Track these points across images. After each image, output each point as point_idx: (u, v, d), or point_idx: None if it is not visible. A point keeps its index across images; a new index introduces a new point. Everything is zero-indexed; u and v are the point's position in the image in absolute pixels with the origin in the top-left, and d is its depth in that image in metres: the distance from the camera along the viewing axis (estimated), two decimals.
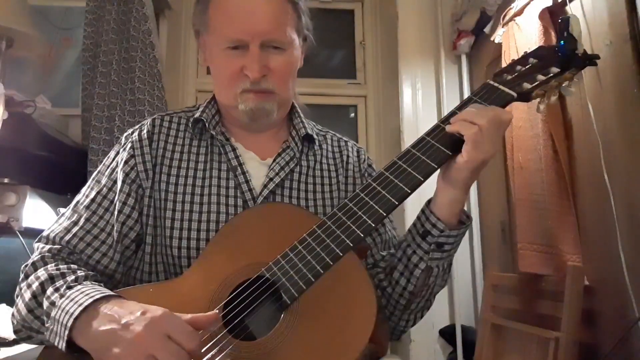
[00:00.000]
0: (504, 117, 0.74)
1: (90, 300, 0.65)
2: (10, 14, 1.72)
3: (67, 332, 0.64)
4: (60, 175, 1.79)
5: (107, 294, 0.68)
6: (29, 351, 1.12)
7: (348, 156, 0.98)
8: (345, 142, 1.01)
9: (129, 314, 0.62)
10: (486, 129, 0.71)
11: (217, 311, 0.66)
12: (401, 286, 0.82)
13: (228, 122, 0.93)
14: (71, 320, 0.64)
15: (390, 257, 0.88)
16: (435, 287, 0.84)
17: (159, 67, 1.96)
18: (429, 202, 0.81)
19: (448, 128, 0.74)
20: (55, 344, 0.67)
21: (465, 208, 2.08)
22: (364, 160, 1.00)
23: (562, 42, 0.80)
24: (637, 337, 1.10)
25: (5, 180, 1.52)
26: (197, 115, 0.90)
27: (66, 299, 0.68)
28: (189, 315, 0.62)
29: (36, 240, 0.84)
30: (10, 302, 0.79)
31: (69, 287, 0.71)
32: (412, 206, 2.04)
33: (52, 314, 0.68)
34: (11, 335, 1.11)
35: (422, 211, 0.80)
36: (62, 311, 0.66)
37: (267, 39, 0.82)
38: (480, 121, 0.71)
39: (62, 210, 0.88)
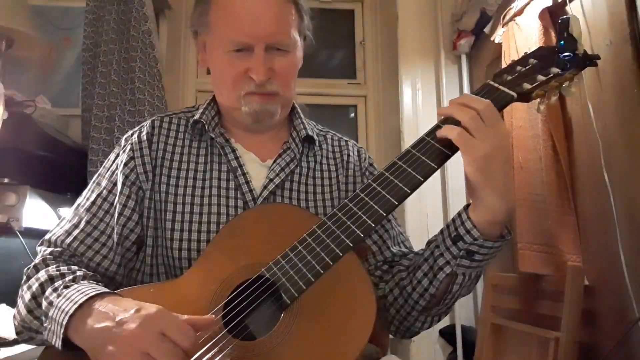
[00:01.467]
0: (482, 107, 0.70)
1: (85, 297, 0.66)
2: (10, 14, 1.72)
3: (62, 330, 0.65)
4: (60, 175, 1.79)
5: (102, 291, 0.68)
6: (29, 351, 1.12)
7: (349, 156, 0.98)
8: (346, 141, 1.01)
9: (124, 311, 0.62)
10: (469, 124, 0.69)
11: (214, 315, 0.66)
12: (423, 287, 0.79)
13: (228, 122, 0.93)
14: (66, 318, 0.64)
15: (415, 257, 0.86)
16: (459, 295, 0.80)
17: (159, 67, 1.96)
18: (467, 206, 0.75)
19: (438, 133, 0.72)
20: (53, 342, 0.67)
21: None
22: (365, 160, 1.00)
23: (562, 42, 0.80)
24: (637, 337, 1.10)
25: (5, 180, 1.52)
26: (196, 116, 0.90)
27: (62, 297, 0.68)
28: (185, 317, 0.62)
29: (39, 243, 0.84)
30: (11, 302, 0.79)
31: (66, 287, 0.71)
32: (412, 206, 2.04)
33: (50, 314, 0.69)
34: (11, 335, 1.11)
35: (459, 214, 0.75)
36: (59, 310, 0.67)
37: (271, 42, 0.82)
38: (461, 117, 0.70)
39: (62, 210, 0.88)
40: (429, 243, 0.82)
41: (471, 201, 0.75)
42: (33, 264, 0.79)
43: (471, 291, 0.82)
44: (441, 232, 0.79)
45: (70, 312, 0.65)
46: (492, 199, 0.70)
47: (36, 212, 1.54)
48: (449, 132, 0.70)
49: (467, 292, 0.80)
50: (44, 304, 0.71)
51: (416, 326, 0.85)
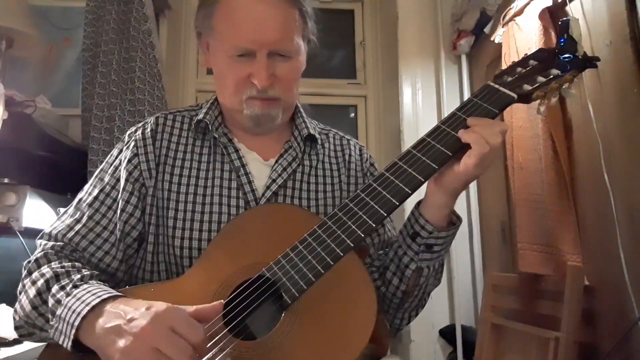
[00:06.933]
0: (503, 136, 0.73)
1: (98, 300, 0.66)
2: (10, 14, 1.72)
3: (73, 331, 0.65)
4: (60, 175, 1.79)
5: (113, 294, 0.68)
6: (30, 351, 1.12)
7: (350, 155, 0.99)
8: (348, 140, 1.02)
9: (134, 310, 0.62)
10: (496, 150, 0.71)
11: (222, 301, 0.66)
12: (394, 286, 0.83)
13: (231, 123, 0.94)
14: (78, 319, 0.64)
15: (383, 257, 0.89)
16: (428, 286, 0.85)
17: (159, 67, 1.96)
18: (418, 203, 0.81)
19: (462, 136, 0.72)
20: (60, 342, 0.67)
21: (465, 208, 2.06)
22: (367, 160, 1.00)
23: (562, 44, 0.80)
24: (637, 337, 1.10)
25: (5, 180, 1.52)
26: (200, 117, 0.90)
27: (73, 297, 0.68)
28: (192, 308, 0.62)
29: (38, 237, 0.84)
30: (11, 302, 0.79)
31: (75, 286, 0.71)
32: (412, 206, 2.04)
33: (58, 312, 0.68)
34: (11, 335, 1.11)
35: (412, 212, 0.81)
36: (69, 310, 0.67)
37: (274, 49, 0.83)
38: (494, 141, 0.71)
39: (62, 210, 0.88)
40: (391, 244, 0.86)
41: (425, 198, 0.80)
42: (34, 258, 0.78)
43: (440, 281, 0.88)
44: (400, 232, 0.83)
45: (83, 313, 0.65)
46: (450, 200, 0.77)
47: (36, 212, 1.54)
48: (481, 145, 0.71)
49: (435, 282, 0.86)
50: (51, 301, 0.71)
51: (395, 323, 0.89)
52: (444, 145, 0.73)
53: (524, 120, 1.50)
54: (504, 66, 1.56)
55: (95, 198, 0.85)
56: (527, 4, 1.51)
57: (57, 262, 0.77)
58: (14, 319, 0.77)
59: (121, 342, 0.59)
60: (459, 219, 0.81)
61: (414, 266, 0.80)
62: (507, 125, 0.76)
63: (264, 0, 0.82)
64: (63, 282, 0.72)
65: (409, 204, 0.80)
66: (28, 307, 0.74)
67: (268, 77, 0.82)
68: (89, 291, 0.68)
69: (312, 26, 0.90)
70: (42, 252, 0.79)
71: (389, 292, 0.84)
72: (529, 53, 0.85)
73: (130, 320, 0.61)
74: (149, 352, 0.58)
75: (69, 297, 0.69)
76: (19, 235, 1.46)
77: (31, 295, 0.74)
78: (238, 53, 0.83)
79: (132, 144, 0.88)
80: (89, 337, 0.64)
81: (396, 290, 0.83)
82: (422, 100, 2.21)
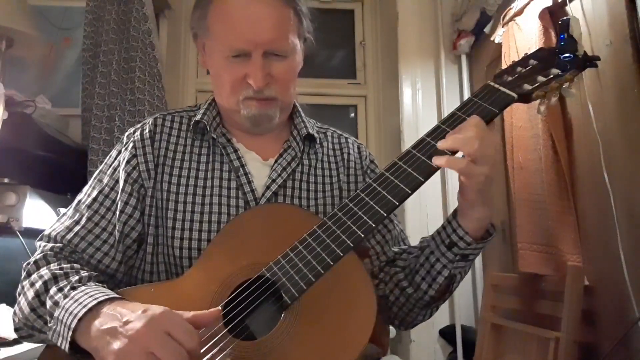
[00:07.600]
0: (484, 133, 0.72)
1: (95, 302, 0.66)
2: (10, 14, 1.72)
3: (70, 333, 0.64)
4: (60, 175, 1.79)
5: (110, 296, 0.68)
6: (30, 351, 1.12)
7: (349, 153, 0.99)
8: (346, 138, 1.02)
9: (131, 312, 0.62)
10: (474, 154, 0.70)
11: (220, 307, 0.66)
12: (422, 290, 0.83)
13: (229, 123, 0.94)
14: (75, 321, 0.64)
15: (410, 259, 0.88)
16: (455, 289, 0.87)
17: (159, 67, 1.96)
18: (455, 213, 0.80)
19: (435, 162, 0.71)
20: (58, 344, 0.67)
21: None
22: (366, 157, 1.01)
23: (562, 43, 0.80)
24: (637, 337, 1.10)
25: (5, 180, 1.52)
26: (197, 117, 0.90)
27: (70, 299, 0.68)
28: (191, 313, 0.62)
29: (38, 238, 0.84)
30: (11, 303, 0.79)
31: (73, 288, 0.71)
32: (412, 206, 2.04)
33: (55, 314, 0.68)
34: (11, 335, 1.11)
35: (449, 222, 0.80)
36: (66, 312, 0.67)
37: (269, 48, 0.82)
38: (467, 150, 0.71)
39: (62, 210, 0.88)
40: (421, 249, 0.85)
41: (461, 211, 0.79)
42: (33, 259, 0.78)
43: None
44: (433, 238, 0.82)
45: (80, 315, 0.64)
46: (483, 210, 0.76)
47: (36, 212, 1.54)
48: (453, 164, 0.72)
49: (460, 284, 0.87)
50: (49, 303, 0.71)
51: (418, 319, 0.90)
52: None
53: (524, 120, 1.50)
54: (504, 66, 1.56)
55: (94, 199, 0.85)
56: (527, 4, 1.51)
57: (55, 263, 0.77)
58: (14, 320, 0.77)
59: (116, 345, 0.59)
60: (494, 227, 0.80)
61: (447, 273, 0.80)
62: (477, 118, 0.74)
63: (258, 0, 0.82)
64: (61, 284, 0.72)
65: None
66: (27, 309, 0.74)
67: (263, 77, 0.82)
68: (87, 293, 0.68)
69: (308, 25, 0.90)
70: (41, 254, 0.79)
71: (416, 294, 0.85)
72: (529, 53, 0.85)
73: (126, 322, 0.60)
74: (143, 356, 0.57)
75: (67, 299, 0.68)
76: (19, 235, 1.46)
77: (29, 297, 0.74)
78: (233, 54, 0.83)
79: (131, 145, 0.88)
80: (85, 338, 0.64)
81: (424, 295, 0.84)
82: (422, 100, 2.21)
